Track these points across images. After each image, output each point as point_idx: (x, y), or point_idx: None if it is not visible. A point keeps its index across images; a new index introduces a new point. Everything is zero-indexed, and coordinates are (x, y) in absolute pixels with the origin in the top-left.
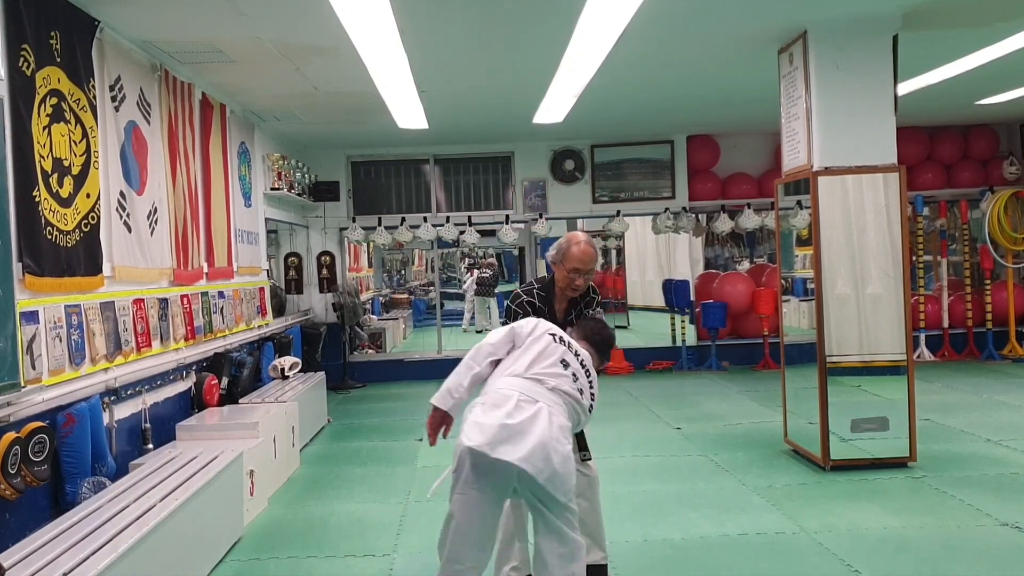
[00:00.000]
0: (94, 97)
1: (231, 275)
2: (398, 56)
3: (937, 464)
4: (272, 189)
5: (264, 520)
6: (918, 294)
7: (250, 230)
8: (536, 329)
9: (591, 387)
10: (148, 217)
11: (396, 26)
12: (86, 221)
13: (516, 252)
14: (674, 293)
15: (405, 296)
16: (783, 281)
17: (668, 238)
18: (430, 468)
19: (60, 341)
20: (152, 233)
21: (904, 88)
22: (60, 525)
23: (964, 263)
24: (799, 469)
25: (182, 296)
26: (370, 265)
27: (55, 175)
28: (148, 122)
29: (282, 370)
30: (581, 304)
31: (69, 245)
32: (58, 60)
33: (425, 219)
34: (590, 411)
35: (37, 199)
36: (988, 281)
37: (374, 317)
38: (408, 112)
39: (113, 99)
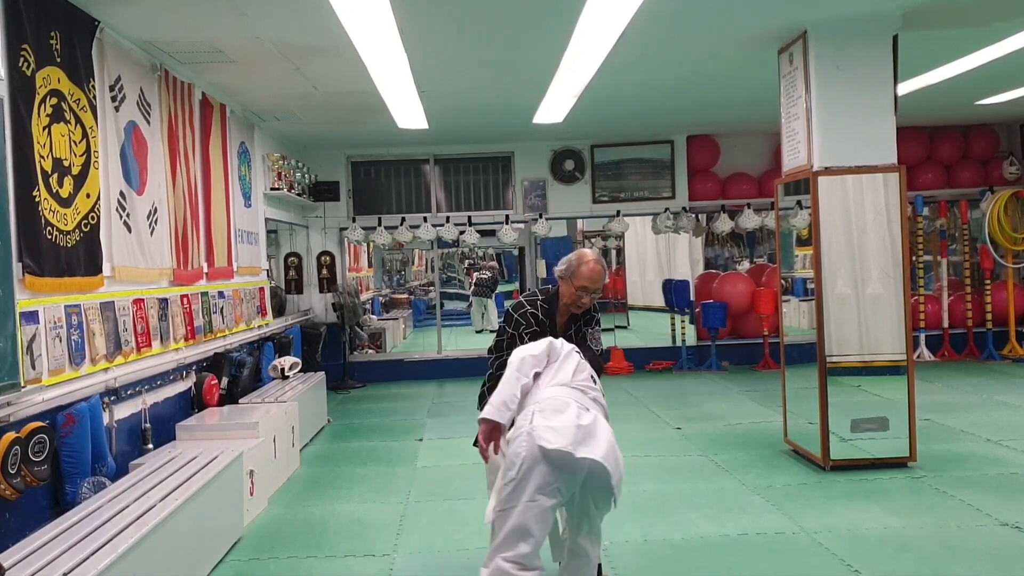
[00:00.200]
0: (94, 97)
1: (231, 275)
2: (398, 56)
3: (937, 464)
4: (272, 189)
5: (264, 520)
6: (918, 294)
7: (250, 230)
8: (565, 345)
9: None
10: (148, 217)
11: (396, 26)
12: (86, 221)
13: (516, 252)
14: (674, 293)
15: (405, 296)
16: (783, 281)
17: (668, 238)
18: (430, 468)
19: (60, 341)
20: (152, 233)
21: (904, 88)
22: (60, 525)
23: (964, 263)
24: (799, 469)
25: (182, 296)
26: (370, 265)
27: (55, 175)
28: (148, 122)
29: (282, 370)
30: (581, 320)
31: (69, 245)
32: (58, 60)
33: (425, 219)
34: None
35: (37, 199)
36: (988, 281)
37: (374, 317)
38: (408, 112)
39: (113, 99)
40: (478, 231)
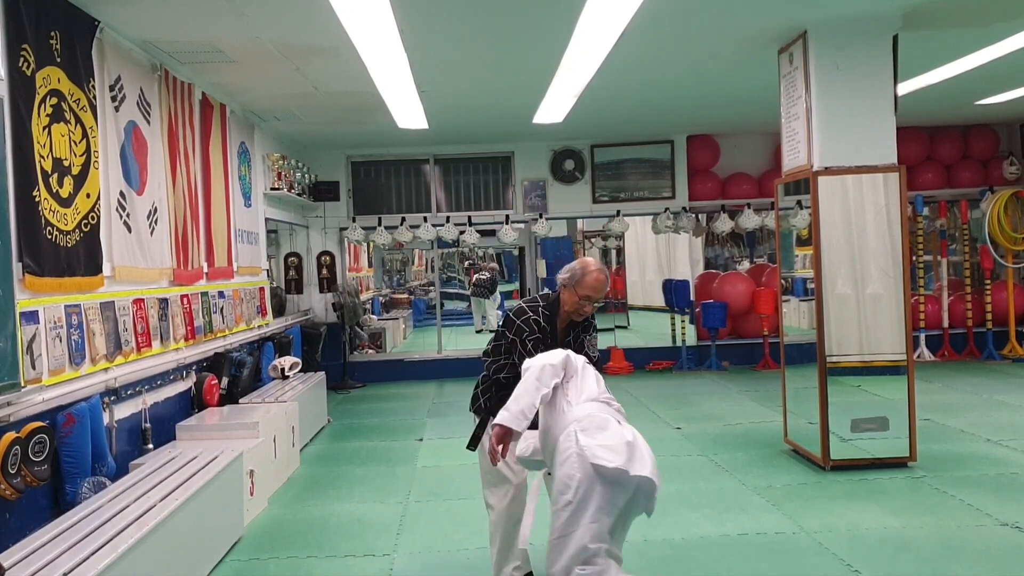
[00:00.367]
0: (94, 97)
1: (231, 275)
2: (398, 56)
3: (937, 464)
4: (272, 189)
5: (264, 520)
6: (918, 294)
7: (250, 230)
8: (577, 356)
9: None
10: (148, 217)
11: (396, 26)
12: (86, 221)
13: (516, 252)
14: (674, 293)
15: (405, 296)
16: (783, 281)
17: (668, 238)
18: (430, 468)
19: (60, 341)
20: (152, 233)
21: (904, 88)
22: (60, 525)
23: (964, 263)
24: (799, 469)
25: (182, 296)
26: (370, 265)
27: (55, 175)
28: (148, 122)
29: (282, 370)
30: (579, 327)
31: (69, 245)
32: (58, 60)
33: (425, 219)
34: None
35: (37, 199)
36: (988, 281)
37: (374, 317)
38: (408, 112)
39: (113, 99)
40: (478, 231)
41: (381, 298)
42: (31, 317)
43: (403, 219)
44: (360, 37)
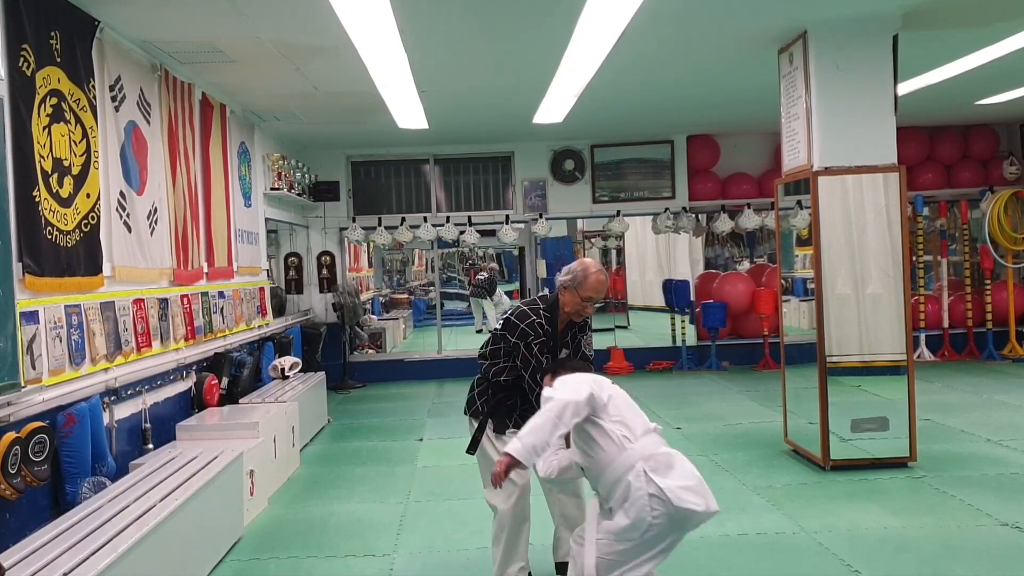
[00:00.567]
0: (94, 97)
1: (231, 275)
2: (398, 56)
3: (937, 464)
4: (272, 189)
5: (264, 520)
6: (918, 294)
7: (250, 230)
8: (604, 384)
9: None
10: (148, 217)
11: (396, 26)
12: (86, 221)
13: (516, 252)
14: (674, 293)
15: (405, 296)
16: (783, 281)
17: (668, 238)
18: (430, 468)
19: (60, 341)
20: (152, 233)
21: (904, 88)
22: (60, 525)
23: (964, 263)
24: (799, 469)
25: (182, 296)
26: (370, 265)
27: (55, 175)
28: (148, 122)
29: (282, 370)
30: (576, 328)
31: (69, 245)
32: (58, 60)
33: (425, 219)
34: None
35: (37, 199)
36: (988, 281)
37: (374, 317)
38: (408, 112)
39: (113, 99)
40: (478, 231)
41: (381, 298)
42: (31, 317)
43: (403, 219)
44: (360, 37)
